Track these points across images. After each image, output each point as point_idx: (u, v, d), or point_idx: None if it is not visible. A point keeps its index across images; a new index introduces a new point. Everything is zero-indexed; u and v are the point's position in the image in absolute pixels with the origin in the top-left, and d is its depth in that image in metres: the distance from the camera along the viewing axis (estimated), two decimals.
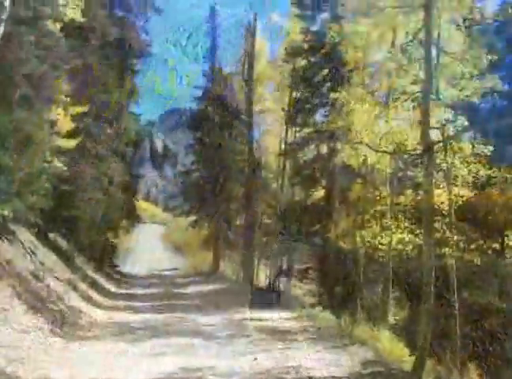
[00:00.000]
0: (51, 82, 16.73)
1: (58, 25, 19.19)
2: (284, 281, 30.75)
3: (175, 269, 45.31)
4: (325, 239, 24.76)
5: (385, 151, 12.02)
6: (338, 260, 23.88)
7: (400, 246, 16.01)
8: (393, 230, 15.77)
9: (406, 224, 15.69)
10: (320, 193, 28.64)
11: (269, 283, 31.49)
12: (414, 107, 12.48)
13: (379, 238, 15.95)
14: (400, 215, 15.89)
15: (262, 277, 34.92)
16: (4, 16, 10.67)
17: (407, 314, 18.11)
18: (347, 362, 10.91)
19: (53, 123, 18.06)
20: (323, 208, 25.93)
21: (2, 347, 9.10)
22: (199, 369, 9.83)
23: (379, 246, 16.06)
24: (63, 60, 17.96)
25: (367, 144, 11.83)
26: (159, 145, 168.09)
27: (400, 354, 11.99)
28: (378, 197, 16.81)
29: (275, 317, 17.37)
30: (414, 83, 12.37)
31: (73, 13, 20.50)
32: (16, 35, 14.66)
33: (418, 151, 12.04)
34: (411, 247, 15.92)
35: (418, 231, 15.57)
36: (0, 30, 10.61)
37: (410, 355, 11.45)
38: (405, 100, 12.23)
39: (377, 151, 12.00)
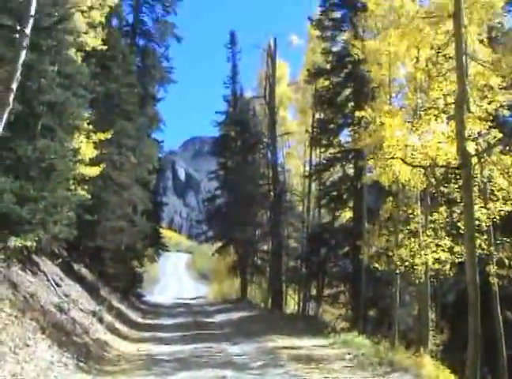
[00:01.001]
0: (74, 110, 16.50)
1: (80, 54, 19.21)
2: (314, 306, 30.03)
3: (202, 297, 44.84)
4: (355, 262, 24.08)
5: (421, 166, 11.43)
6: (371, 282, 23.16)
7: (436, 266, 15.27)
8: (429, 249, 15.05)
9: (442, 242, 14.96)
10: (348, 214, 28.02)
11: (299, 309, 30.81)
12: (447, 120, 11.89)
13: (414, 257, 15.23)
14: (434, 234, 15.18)
15: (291, 303, 34.24)
16: (25, 44, 10.40)
17: (446, 337, 17.28)
18: None
19: (76, 151, 17.80)
20: (352, 230, 25.25)
21: None
22: None
23: (415, 267, 15.33)
24: (85, 88, 17.81)
25: (401, 159, 11.28)
26: (181, 173, 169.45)
27: None
28: (411, 215, 16.14)
29: (308, 345, 16.68)
30: (447, 95, 11.82)
31: (95, 42, 20.57)
32: (37, 63, 14.45)
33: (454, 165, 11.42)
34: (448, 266, 15.18)
35: (455, 250, 14.89)
36: (21, 57, 10.32)
37: None
38: (438, 113, 11.67)
39: (412, 165, 11.42)
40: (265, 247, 36.33)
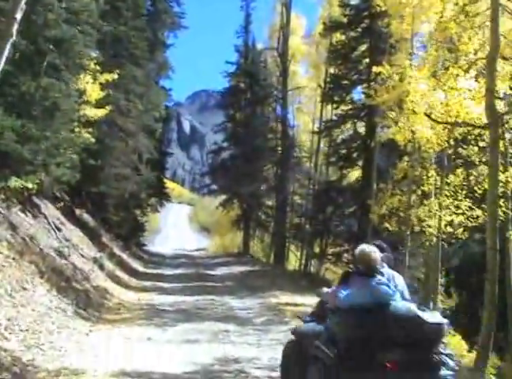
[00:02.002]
0: (80, 48, 15.77)
1: None
2: (317, 264, 29.79)
3: (203, 250, 44.71)
4: (362, 221, 23.64)
5: (446, 123, 10.78)
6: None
7: (449, 229, 14.77)
8: (443, 211, 14.52)
9: (458, 205, 14.42)
10: (356, 173, 27.47)
11: (301, 266, 30.58)
12: (476, 76, 11.18)
13: (428, 219, 14.72)
14: (450, 196, 14.62)
15: (293, 260, 34.02)
16: None
17: (456, 303, 16.94)
18: None
19: (81, 92, 17.16)
20: (360, 189, 24.73)
21: (21, 331, 8.18)
22: (237, 360, 8.84)
23: (427, 229, 14.83)
24: (93, 26, 17.04)
25: (426, 114, 10.64)
26: (186, 126, 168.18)
27: (457, 347, 10.87)
28: (426, 176, 15.55)
29: (312, 303, 16.33)
30: (477, 50, 11.09)
31: None
32: None
33: (480, 124, 10.79)
34: (461, 230, 14.68)
35: (469, 213, 14.37)
36: None
37: (470, 351, 10.32)
38: (467, 68, 10.96)
39: (437, 121, 10.78)
40: (270, 202, 35.89)
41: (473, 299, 21.01)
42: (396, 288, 5.46)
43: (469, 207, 13.60)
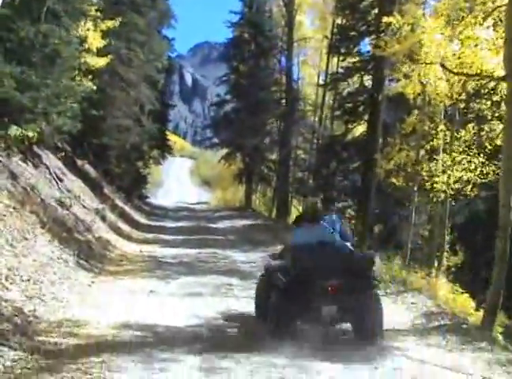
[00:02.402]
0: None
1: None
2: None
3: (205, 203, 44.60)
4: (367, 177, 23.34)
5: (462, 74, 10.36)
6: (380, 199, 22.53)
7: (458, 185, 14.50)
8: (453, 166, 14.22)
9: (468, 161, 14.11)
10: (362, 127, 26.99)
11: None
12: (494, 25, 10.69)
13: (437, 175, 14.43)
14: (460, 151, 14.29)
15: (296, 214, 33.88)
16: None
17: (462, 260, 16.79)
18: (406, 312, 9.70)
19: (82, 39, 16.65)
20: (366, 144, 24.30)
21: (22, 282, 8.02)
22: (241, 314, 8.70)
23: (435, 184, 14.55)
24: None
25: (441, 65, 10.23)
26: (188, 79, 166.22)
27: (464, 305, 10.73)
28: (435, 131, 15.19)
29: None
30: None
31: None
32: None
33: (498, 76, 10.36)
34: (470, 187, 14.41)
35: (479, 170, 14.07)
36: None
37: (477, 309, 10.17)
38: (484, 17, 10.47)
39: (453, 72, 10.36)
40: (273, 156, 35.50)
41: (477, 258, 20.92)
42: (334, 230, 7.39)
43: (482, 163, 13.26)
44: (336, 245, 7.23)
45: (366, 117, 25.79)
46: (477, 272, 20.23)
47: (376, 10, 25.23)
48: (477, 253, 21.03)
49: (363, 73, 25.90)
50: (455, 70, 10.70)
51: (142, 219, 25.13)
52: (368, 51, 25.97)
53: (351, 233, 8.06)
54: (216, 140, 39.43)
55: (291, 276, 6.84)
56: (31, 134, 13.17)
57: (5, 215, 9.73)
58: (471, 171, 13.91)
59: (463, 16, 10.46)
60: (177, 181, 62.60)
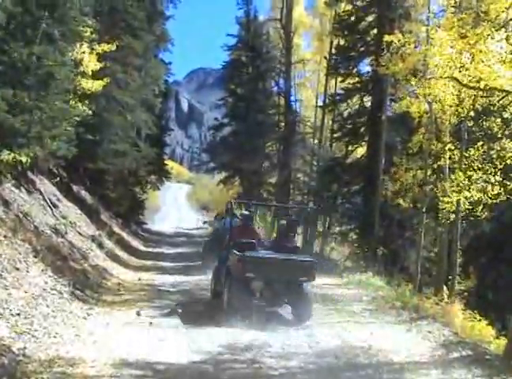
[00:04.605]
0: (75, 14, 14.83)
1: None
2: (321, 243, 29.01)
3: (203, 228, 43.86)
4: (369, 199, 22.81)
5: (476, 88, 9.88)
6: (384, 222, 21.96)
7: (468, 206, 13.96)
8: (461, 187, 13.70)
9: (477, 181, 13.58)
10: (362, 149, 26.56)
11: (304, 244, 29.80)
12: (507, 38, 10.23)
13: (446, 195, 13.90)
14: (469, 171, 13.77)
15: (297, 238, 33.24)
16: None
17: (475, 284, 16.17)
18: (424, 341, 9.09)
19: (77, 62, 16.24)
20: (367, 165, 23.84)
21: (12, 316, 7.41)
22: (248, 346, 8.10)
23: (445, 205, 14.01)
24: None
25: (454, 78, 9.77)
26: (184, 104, 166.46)
27: (482, 333, 10.13)
28: (442, 150, 14.71)
29: (320, 283, 15.57)
30: (508, 8, 10.14)
31: None
32: None
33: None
34: (481, 207, 13.86)
35: (489, 189, 13.54)
36: None
37: (497, 337, 9.56)
38: (497, 29, 10.05)
39: (468, 86, 9.90)
40: (272, 180, 34.98)
41: (482, 280, 20.29)
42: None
43: (493, 183, 12.73)
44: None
45: (367, 138, 25.41)
46: (485, 295, 19.62)
47: (375, 30, 25.05)
48: (483, 276, 20.43)
49: (363, 93, 25.61)
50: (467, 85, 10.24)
51: (140, 246, 24.51)
52: (368, 72, 25.73)
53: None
54: (213, 164, 38.95)
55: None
56: (24, 159, 12.64)
57: None
58: (482, 191, 13.35)
59: (475, 29, 10.02)
60: (174, 206, 61.94)
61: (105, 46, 17.86)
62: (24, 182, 14.50)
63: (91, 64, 17.05)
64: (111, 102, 22.85)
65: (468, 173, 13.22)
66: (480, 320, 11.51)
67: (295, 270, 10.16)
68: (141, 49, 25.74)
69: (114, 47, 18.36)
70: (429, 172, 15.29)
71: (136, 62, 25.31)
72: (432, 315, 11.01)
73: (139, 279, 14.64)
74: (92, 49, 17.46)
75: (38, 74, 13.30)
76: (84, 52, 16.86)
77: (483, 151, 13.60)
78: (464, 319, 11.21)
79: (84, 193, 22.67)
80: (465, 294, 17.31)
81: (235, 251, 10.24)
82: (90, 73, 17.30)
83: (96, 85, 17.46)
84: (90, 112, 16.36)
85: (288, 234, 11.37)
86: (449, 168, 15.11)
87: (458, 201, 13.81)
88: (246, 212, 12.61)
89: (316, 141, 32.38)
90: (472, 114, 13.64)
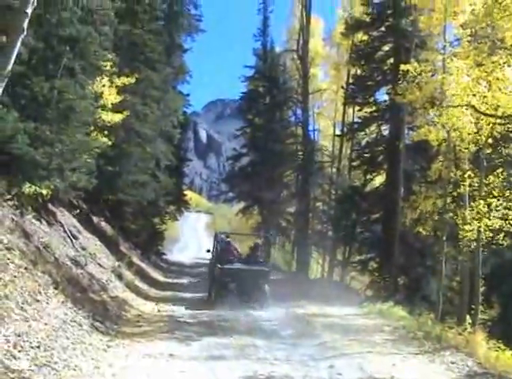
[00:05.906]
0: (96, 48, 15.12)
1: None
2: (341, 273, 28.81)
3: None
4: (388, 227, 22.66)
5: (495, 116, 9.86)
6: (404, 250, 21.78)
7: (489, 234, 13.80)
8: (481, 214, 13.56)
9: (497, 208, 13.45)
10: (381, 178, 26.53)
11: (323, 274, 29.63)
12: None
13: (467, 223, 13.76)
14: (488, 198, 13.65)
15: (315, 267, 33.08)
16: None
17: (498, 313, 15.88)
18: (447, 372, 8.92)
19: (97, 95, 16.51)
20: (386, 194, 23.77)
21: (31, 348, 7.41)
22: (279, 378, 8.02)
23: (465, 233, 13.87)
24: (109, 25, 16.41)
25: (472, 106, 9.78)
26: (203, 135, 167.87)
27: (508, 363, 9.91)
28: (462, 178, 14.61)
29: (341, 313, 15.49)
30: None
31: None
32: None
33: None
34: (502, 235, 13.70)
35: (511, 216, 13.39)
36: None
37: None
38: None
39: (485, 114, 9.89)
40: (291, 209, 34.95)
41: (506, 309, 19.90)
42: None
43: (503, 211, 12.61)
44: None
45: (385, 166, 25.38)
46: (509, 324, 19.24)
47: (392, 60, 25.22)
48: (507, 304, 20.05)
49: (380, 122, 25.70)
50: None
51: (159, 277, 24.51)
52: (385, 100, 25.86)
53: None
54: (232, 193, 39.08)
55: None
56: (45, 191, 12.82)
57: (15, 277, 9.20)
58: (503, 219, 13.21)
59: (491, 57, 10.05)
60: (194, 236, 61.94)
61: (124, 79, 18.19)
62: (44, 214, 14.62)
63: (111, 97, 17.36)
64: (130, 133, 23.12)
65: (489, 200, 13.11)
66: (504, 349, 11.29)
67: (257, 276, 16.12)
68: (159, 81, 26.14)
69: (133, 80, 18.68)
70: (449, 200, 15.15)
71: (155, 94, 25.65)
72: (455, 345, 10.82)
73: (158, 311, 14.60)
74: (112, 82, 17.79)
75: (59, 107, 13.55)
76: (104, 85, 17.18)
77: (503, 178, 13.50)
78: (488, 349, 10.99)
79: (103, 225, 22.81)
80: (489, 323, 17.08)
81: (217, 264, 16.35)
82: (110, 106, 17.60)
83: (115, 118, 17.72)
84: (110, 144, 16.56)
85: (256, 252, 17.26)
86: (469, 196, 14.99)
87: (479, 229, 13.65)
88: (228, 239, 18.46)
89: (334, 170, 32.43)
90: (490, 141, 13.53)
